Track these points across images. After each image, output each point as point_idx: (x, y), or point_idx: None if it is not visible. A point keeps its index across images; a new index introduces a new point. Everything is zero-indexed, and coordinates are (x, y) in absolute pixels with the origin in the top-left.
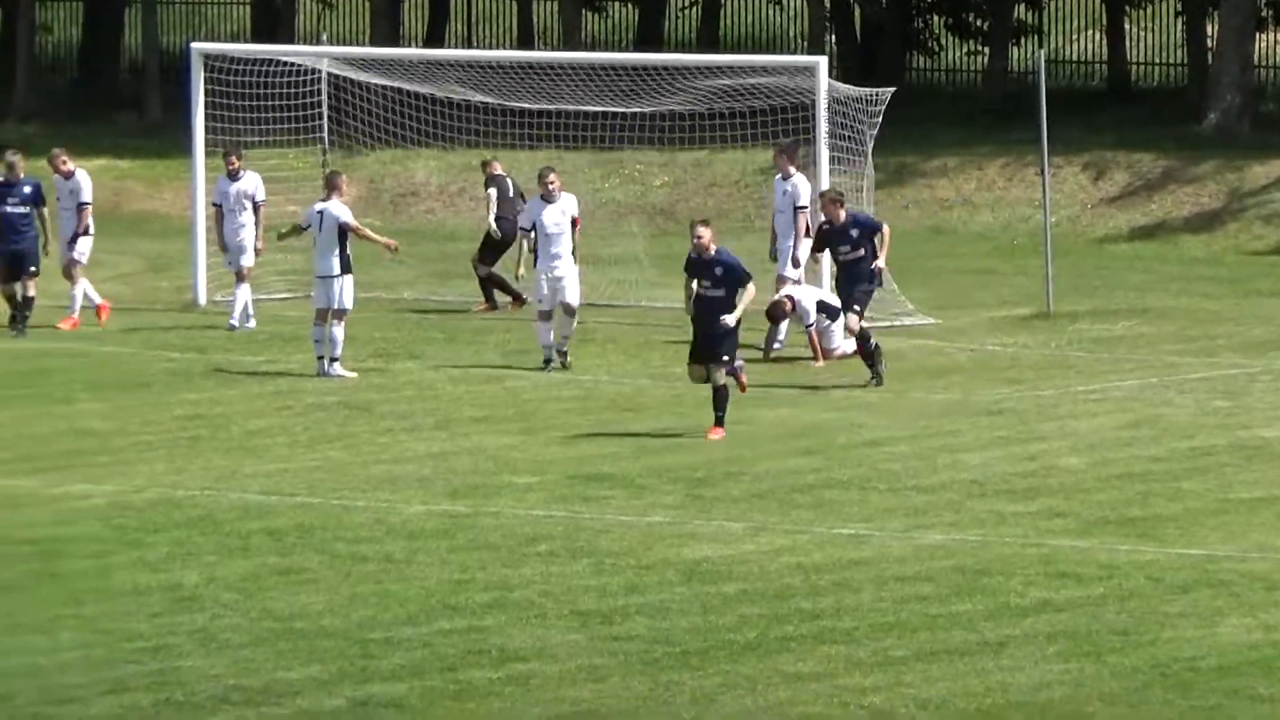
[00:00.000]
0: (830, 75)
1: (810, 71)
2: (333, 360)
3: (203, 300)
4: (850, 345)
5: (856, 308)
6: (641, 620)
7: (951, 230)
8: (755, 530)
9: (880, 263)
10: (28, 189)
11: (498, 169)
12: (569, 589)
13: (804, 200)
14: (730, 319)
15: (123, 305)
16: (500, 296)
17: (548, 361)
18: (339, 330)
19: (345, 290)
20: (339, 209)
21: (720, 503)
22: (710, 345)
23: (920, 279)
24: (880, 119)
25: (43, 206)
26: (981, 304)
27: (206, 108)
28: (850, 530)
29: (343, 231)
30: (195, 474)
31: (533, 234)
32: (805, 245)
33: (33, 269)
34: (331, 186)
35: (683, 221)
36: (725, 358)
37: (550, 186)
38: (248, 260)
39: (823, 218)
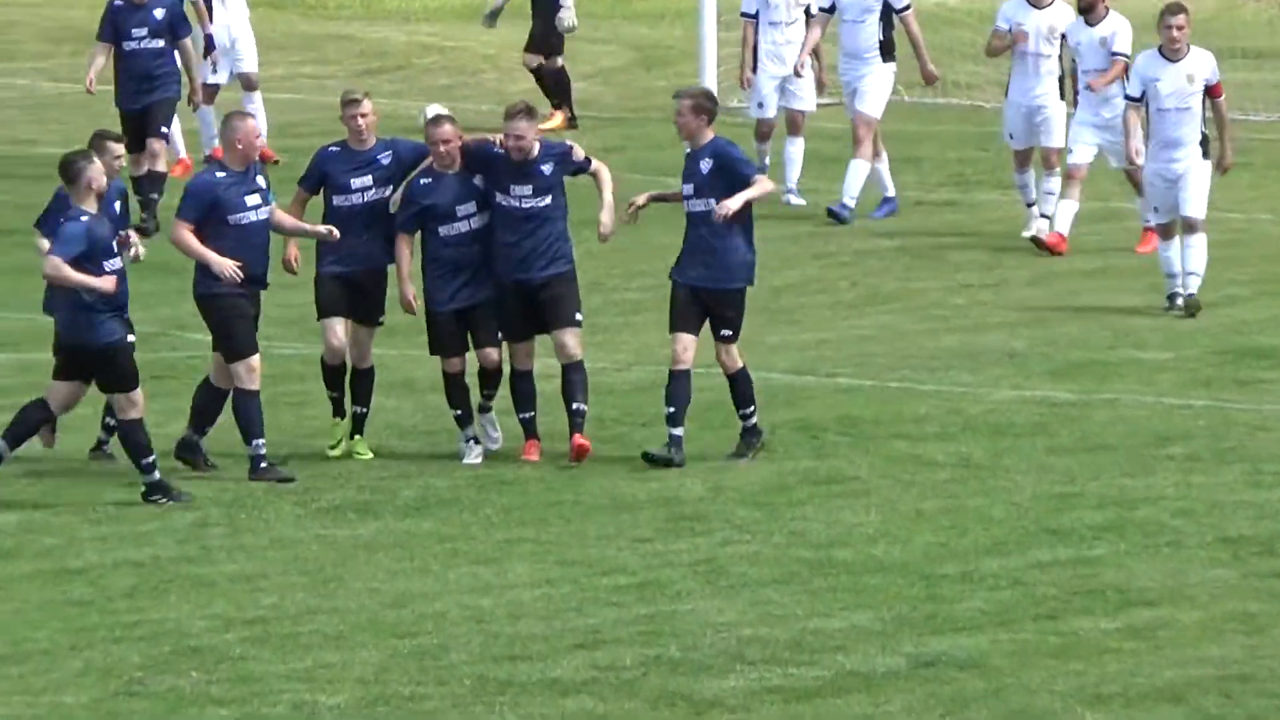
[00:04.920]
0: None
1: None
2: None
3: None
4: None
5: (727, 332)
6: None
7: None
8: None
9: (728, 206)
10: (159, 12)
11: None
12: (1213, 506)
13: (1122, 46)
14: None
15: (605, 113)
16: None
17: None
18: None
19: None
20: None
21: None
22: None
23: None
24: None
25: (184, 37)
26: None
27: None
28: None
29: None
30: (701, 345)
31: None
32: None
33: (163, 130)
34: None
35: None
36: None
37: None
38: (807, 103)
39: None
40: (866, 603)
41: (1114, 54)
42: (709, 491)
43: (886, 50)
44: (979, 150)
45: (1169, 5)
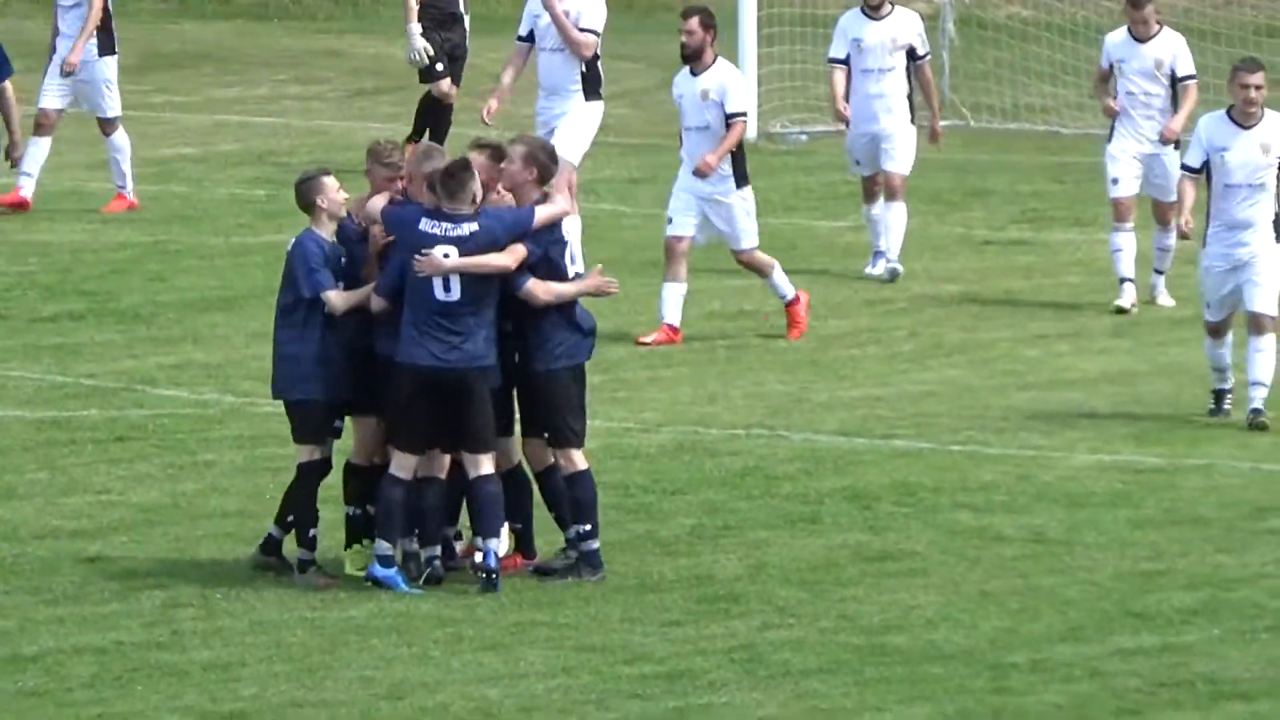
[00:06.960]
0: None
1: None
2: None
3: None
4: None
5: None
6: None
7: None
8: None
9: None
10: None
11: None
12: None
13: (736, 103)
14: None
15: (630, 139)
16: None
17: None
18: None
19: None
20: None
21: None
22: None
23: None
24: None
25: (2, 80)
26: None
27: None
28: None
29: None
30: (735, 403)
31: None
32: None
33: None
34: None
35: None
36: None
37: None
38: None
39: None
40: (925, 695)
41: (729, 116)
42: (747, 570)
43: (590, 86)
44: (1055, 183)
45: (1245, 61)
